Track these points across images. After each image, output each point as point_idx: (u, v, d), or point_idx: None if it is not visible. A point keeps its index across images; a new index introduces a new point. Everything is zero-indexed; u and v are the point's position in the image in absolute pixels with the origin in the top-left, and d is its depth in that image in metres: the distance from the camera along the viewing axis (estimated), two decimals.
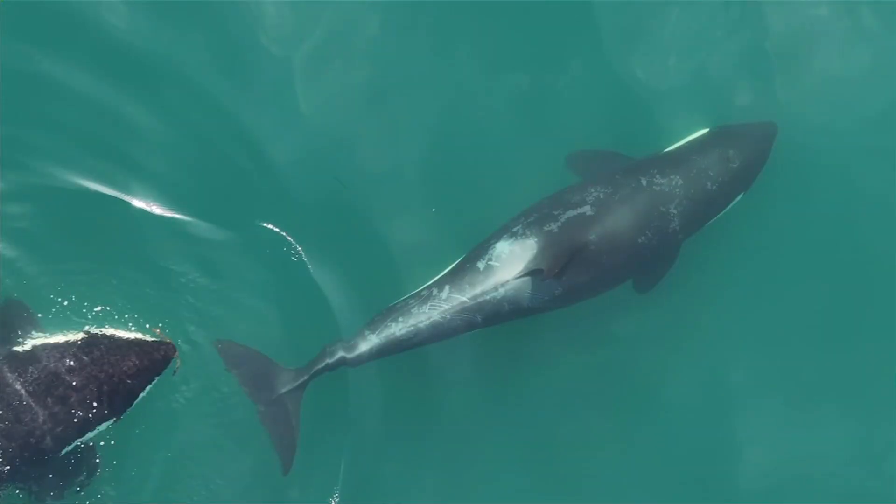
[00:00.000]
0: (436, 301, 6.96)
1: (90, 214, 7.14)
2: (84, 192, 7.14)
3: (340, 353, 6.95)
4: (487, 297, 6.89)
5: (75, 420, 6.13)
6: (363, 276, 7.34)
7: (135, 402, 6.35)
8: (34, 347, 6.21)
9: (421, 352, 7.07)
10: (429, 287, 7.07)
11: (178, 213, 7.25)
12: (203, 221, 7.26)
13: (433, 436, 7.29)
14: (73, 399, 6.10)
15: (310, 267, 7.28)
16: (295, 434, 6.74)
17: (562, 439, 7.36)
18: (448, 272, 7.03)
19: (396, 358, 7.04)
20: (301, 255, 7.30)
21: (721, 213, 7.37)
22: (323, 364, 6.91)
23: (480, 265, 6.95)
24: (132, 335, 6.45)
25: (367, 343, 6.99)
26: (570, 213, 7.02)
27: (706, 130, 7.51)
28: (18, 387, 6.02)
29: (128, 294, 6.95)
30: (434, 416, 7.32)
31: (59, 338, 6.37)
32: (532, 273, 6.83)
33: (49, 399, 6.05)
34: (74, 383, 6.11)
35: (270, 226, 7.32)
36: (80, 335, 6.37)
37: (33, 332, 6.45)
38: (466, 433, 7.29)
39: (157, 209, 7.21)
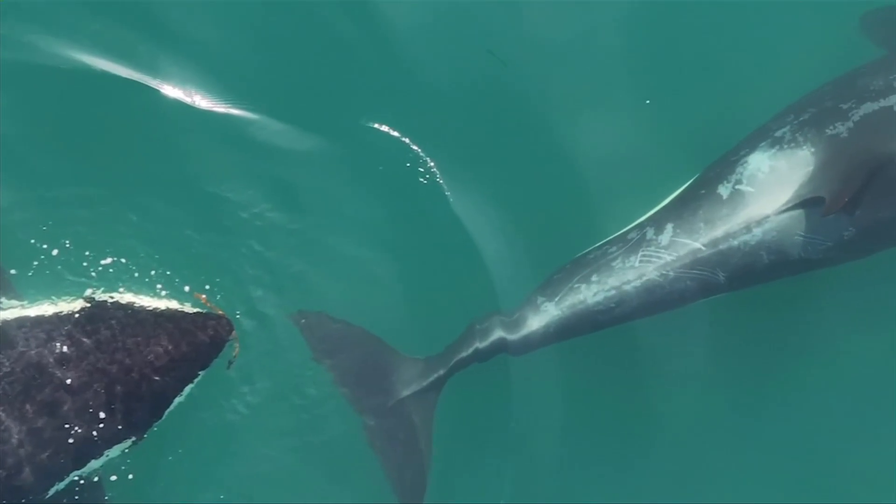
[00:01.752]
0: (651, 249, 5.98)
1: (96, 110, 6.28)
2: (87, 74, 6.26)
3: (498, 334, 6.05)
4: (735, 243, 5.90)
5: (71, 441, 5.22)
6: (533, 210, 6.45)
7: (166, 413, 5.44)
8: (4, 324, 5.33)
9: (626, 331, 6.10)
10: (640, 227, 6.12)
11: (237, 108, 6.35)
12: (276, 120, 6.36)
13: (644, 461, 6.27)
14: (66, 407, 5.18)
15: (448, 194, 6.32)
16: (424, 461, 5.90)
17: (858, 464, 6.24)
18: (670, 203, 6.13)
19: (585, 341, 6.08)
20: (434, 174, 6.34)
21: None
22: (470, 350, 6.03)
23: (723, 191, 5.99)
24: (162, 304, 5.53)
25: (541, 317, 6.05)
26: (868, 107, 5.96)
27: None
28: None
29: (155, 238, 6.06)
30: (645, 429, 6.30)
31: (45, 308, 5.44)
32: (807, 204, 5.86)
33: (28, 407, 5.15)
34: (69, 382, 5.18)
35: (385, 128, 6.39)
36: (79, 304, 5.43)
37: (3, 300, 5.59)
38: (698, 455, 6.27)
39: (202, 101, 6.30)
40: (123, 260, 5.96)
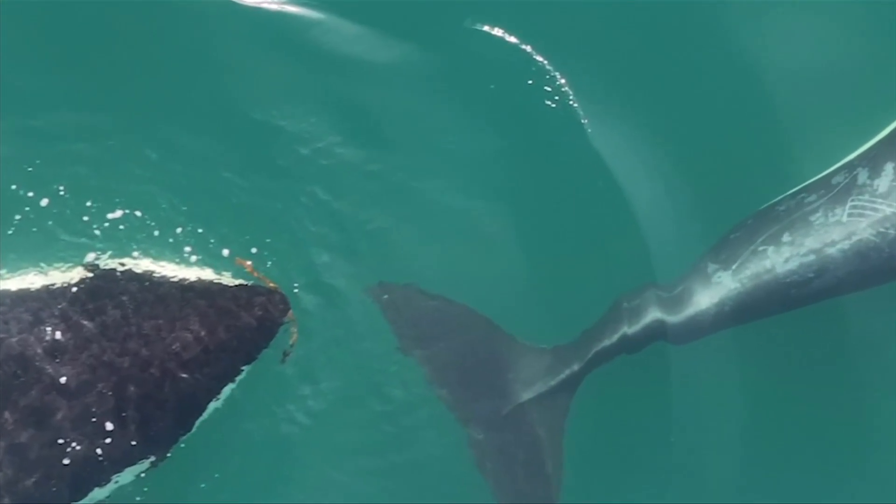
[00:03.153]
0: (864, 198, 5.15)
1: (101, 8, 5.43)
2: None
3: (654, 315, 5.23)
4: None
5: (66, 461, 4.64)
6: (702, 145, 5.47)
7: (197, 423, 4.87)
8: None
9: (828, 310, 5.18)
10: (849, 167, 5.24)
11: (294, 3, 5.52)
12: (348, 21, 5.48)
13: (854, 481, 5.31)
14: (60, 415, 4.59)
15: (584, 122, 5.37)
16: (551, 488, 5.21)
17: None
18: (891, 135, 5.23)
19: (773, 324, 5.18)
20: (566, 94, 5.40)
21: None
22: (615, 337, 5.24)
23: None
24: (191, 274, 5.00)
25: (713, 291, 5.23)
26: None
27: None
28: None
29: (181, 183, 5.27)
30: (857, 442, 5.35)
31: (32, 279, 4.91)
32: None
33: (8, 415, 4.56)
34: (64, 380, 4.61)
35: (497, 31, 5.45)
36: (78, 274, 4.87)
37: None
38: None
39: None
40: (138, 213, 5.25)
